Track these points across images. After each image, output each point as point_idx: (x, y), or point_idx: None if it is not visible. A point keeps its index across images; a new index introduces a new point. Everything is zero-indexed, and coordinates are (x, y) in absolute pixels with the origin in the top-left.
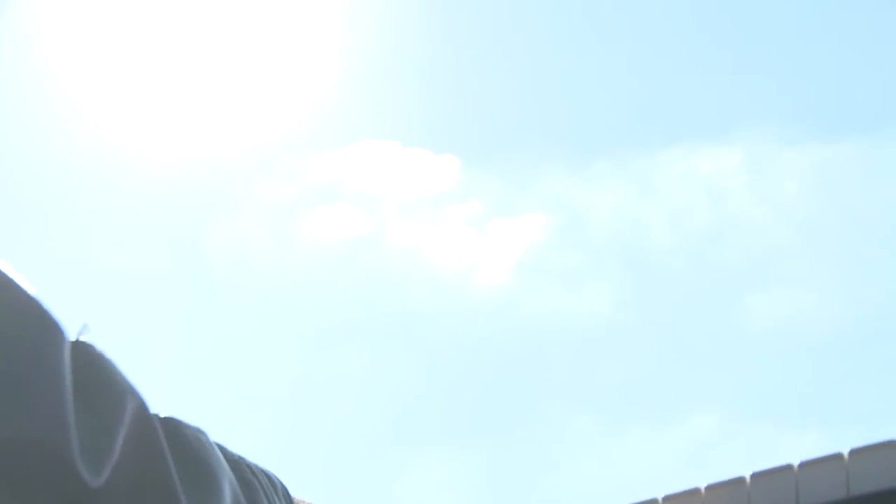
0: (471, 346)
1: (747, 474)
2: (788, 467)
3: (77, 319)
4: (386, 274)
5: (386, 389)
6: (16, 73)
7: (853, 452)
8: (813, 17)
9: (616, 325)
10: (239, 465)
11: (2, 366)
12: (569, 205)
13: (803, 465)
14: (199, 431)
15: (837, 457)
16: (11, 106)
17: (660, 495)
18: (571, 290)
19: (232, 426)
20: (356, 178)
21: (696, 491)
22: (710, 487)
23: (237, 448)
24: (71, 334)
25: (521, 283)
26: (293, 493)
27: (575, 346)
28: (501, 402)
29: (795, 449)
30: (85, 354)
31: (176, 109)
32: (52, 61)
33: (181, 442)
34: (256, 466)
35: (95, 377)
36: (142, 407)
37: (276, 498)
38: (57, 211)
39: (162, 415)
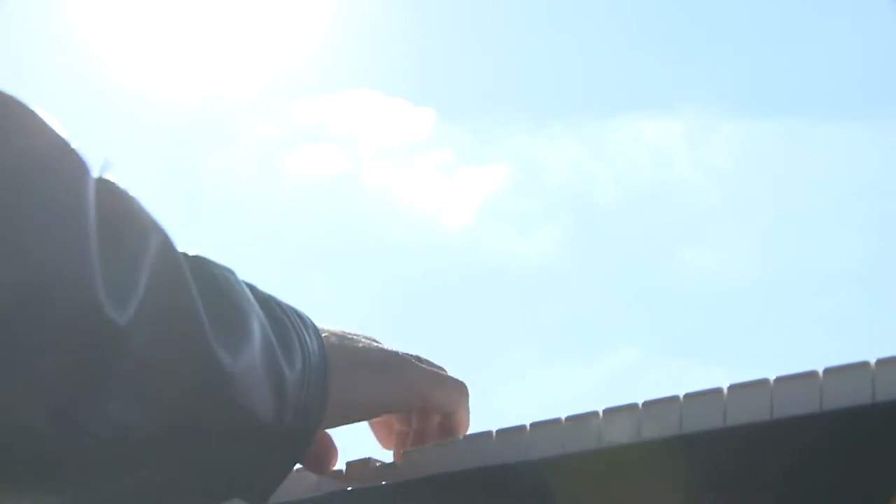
0: (433, 278)
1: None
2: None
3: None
4: (362, 209)
5: (353, 311)
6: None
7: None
8: (755, 5)
9: (561, 266)
10: (269, 304)
11: (24, 200)
12: (528, 159)
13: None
14: (227, 270)
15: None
16: (23, 33)
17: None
18: (525, 233)
19: None
20: (340, 121)
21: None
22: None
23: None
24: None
25: (481, 224)
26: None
27: (524, 283)
28: (455, 328)
29: (707, 381)
30: (107, 190)
31: (183, 51)
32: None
33: (208, 279)
34: (287, 305)
35: (118, 213)
36: (167, 242)
37: (305, 334)
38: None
39: (190, 253)
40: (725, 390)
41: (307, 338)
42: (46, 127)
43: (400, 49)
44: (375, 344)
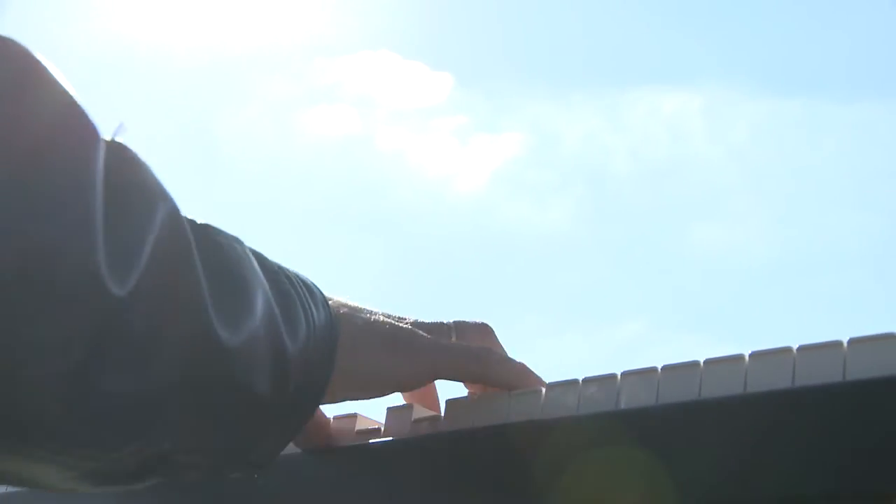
0: (443, 243)
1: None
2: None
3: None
4: (374, 172)
5: (361, 273)
6: None
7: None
8: None
9: (573, 237)
10: (277, 275)
11: (30, 165)
12: (544, 128)
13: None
14: (234, 240)
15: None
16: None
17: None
18: (538, 202)
19: None
20: (356, 83)
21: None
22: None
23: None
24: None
25: (494, 192)
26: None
27: (534, 251)
28: (463, 294)
29: (709, 354)
30: (117, 155)
31: (201, 7)
32: None
33: (214, 249)
34: (295, 275)
35: (128, 180)
36: (174, 212)
37: (312, 306)
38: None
39: (198, 220)
40: (702, 364)
41: (313, 309)
42: (56, 84)
43: (420, 12)
44: (388, 319)
